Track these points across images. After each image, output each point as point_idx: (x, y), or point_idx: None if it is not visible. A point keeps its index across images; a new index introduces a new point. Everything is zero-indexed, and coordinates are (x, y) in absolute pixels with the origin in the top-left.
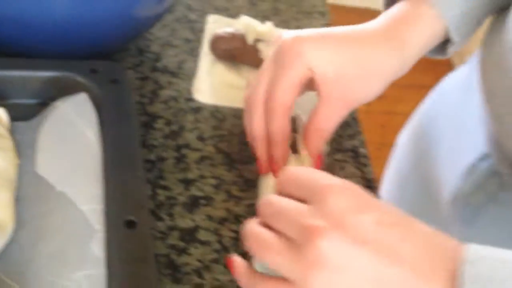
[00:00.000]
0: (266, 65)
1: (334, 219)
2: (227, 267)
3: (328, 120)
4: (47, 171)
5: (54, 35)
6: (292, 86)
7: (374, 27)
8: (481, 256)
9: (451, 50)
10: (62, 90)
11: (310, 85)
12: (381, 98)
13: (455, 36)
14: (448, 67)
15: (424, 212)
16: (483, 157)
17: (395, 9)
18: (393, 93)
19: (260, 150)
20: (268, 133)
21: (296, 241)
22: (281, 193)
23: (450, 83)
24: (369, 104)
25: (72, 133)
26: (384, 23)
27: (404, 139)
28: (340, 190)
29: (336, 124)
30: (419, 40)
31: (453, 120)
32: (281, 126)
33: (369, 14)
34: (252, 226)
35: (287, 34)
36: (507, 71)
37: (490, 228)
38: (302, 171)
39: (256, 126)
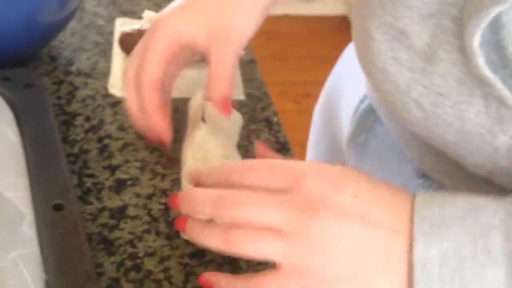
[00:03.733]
0: (138, 46)
1: (315, 202)
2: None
3: (221, 63)
4: None
5: None
6: (157, 58)
7: None
8: (430, 200)
9: None
10: None
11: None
12: (310, 96)
13: None
14: None
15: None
16: (363, 99)
17: None
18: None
19: (140, 125)
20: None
21: (284, 230)
22: (243, 184)
23: (351, 46)
24: (299, 103)
25: None
26: None
27: (318, 105)
28: (312, 175)
29: (230, 64)
30: None
31: (350, 77)
32: (151, 100)
33: (287, 21)
34: (223, 228)
35: (157, 14)
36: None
37: (375, 163)
38: (273, 161)
39: (130, 103)
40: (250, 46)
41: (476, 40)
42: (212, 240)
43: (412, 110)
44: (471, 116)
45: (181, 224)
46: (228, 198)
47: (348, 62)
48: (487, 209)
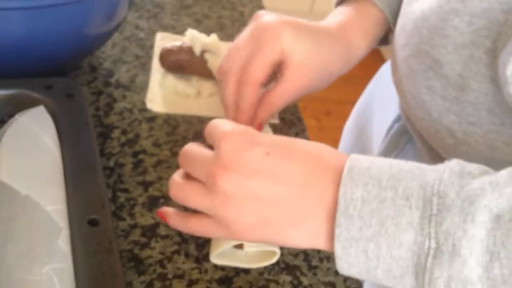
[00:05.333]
0: (243, 40)
1: (228, 161)
2: (159, 217)
3: (280, 97)
4: (11, 178)
5: (8, 54)
6: (266, 65)
7: (330, 25)
8: (364, 156)
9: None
10: (19, 107)
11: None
12: (331, 114)
13: (393, 21)
14: None
15: None
16: (398, 119)
17: (344, 9)
18: (342, 109)
19: (229, 115)
20: (237, 101)
21: (206, 184)
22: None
23: (385, 67)
24: (320, 120)
25: (32, 142)
26: (335, 23)
27: (348, 123)
28: (229, 135)
29: (285, 103)
30: (362, 40)
31: (384, 96)
32: (249, 98)
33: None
34: (174, 177)
35: (267, 14)
36: (396, 50)
37: None
38: (212, 122)
39: (228, 95)
40: None
41: (509, 69)
42: (177, 224)
43: (444, 137)
44: (501, 145)
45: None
46: (181, 156)
47: (382, 81)
48: (417, 170)
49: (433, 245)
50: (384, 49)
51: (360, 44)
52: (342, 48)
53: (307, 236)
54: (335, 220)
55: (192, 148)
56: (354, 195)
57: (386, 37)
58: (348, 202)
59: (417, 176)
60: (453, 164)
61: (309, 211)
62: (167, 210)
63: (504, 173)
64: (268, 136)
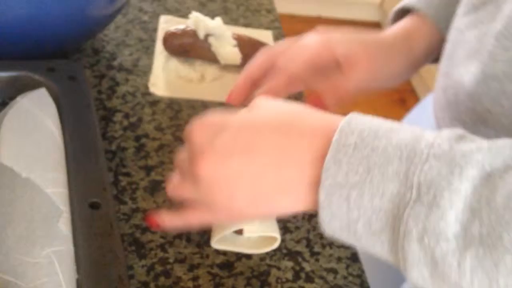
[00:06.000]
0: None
1: (201, 149)
2: (149, 224)
3: (347, 87)
4: (11, 161)
5: (10, 36)
6: (303, 59)
7: (386, 36)
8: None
9: None
10: (21, 89)
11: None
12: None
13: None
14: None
15: None
16: None
17: (401, 24)
18: None
19: (240, 82)
20: (265, 80)
21: (191, 178)
22: None
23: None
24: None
25: (34, 125)
26: (392, 34)
27: None
28: (198, 127)
29: (352, 93)
30: (421, 49)
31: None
32: (276, 85)
33: (319, 23)
34: (171, 179)
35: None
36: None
37: None
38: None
39: (253, 67)
40: None
41: None
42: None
43: None
44: None
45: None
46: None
47: (426, 113)
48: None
49: (414, 195)
50: None
51: (422, 49)
52: (405, 53)
53: (297, 199)
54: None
55: (179, 155)
56: (348, 141)
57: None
58: (340, 147)
59: (417, 131)
60: (457, 130)
61: (290, 175)
62: (159, 214)
63: (507, 141)
64: (238, 116)
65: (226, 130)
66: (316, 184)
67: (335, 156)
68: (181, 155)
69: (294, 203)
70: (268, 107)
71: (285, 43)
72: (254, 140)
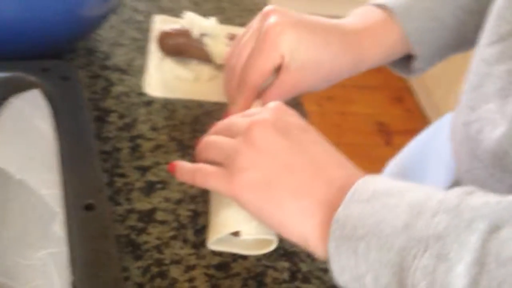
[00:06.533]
0: (247, 39)
1: (266, 118)
2: (169, 170)
3: (273, 98)
4: (4, 162)
5: (2, 36)
6: (264, 71)
7: (347, 25)
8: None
9: (417, 67)
10: (14, 90)
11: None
12: (333, 99)
13: (416, 50)
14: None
15: None
16: (455, 184)
17: (366, 12)
18: (344, 94)
19: (228, 89)
20: (235, 96)
21: (238, 134)
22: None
23: (437, 127)
24: (321, 106)
25: (27, 126)
26: (351, 26)
27: (392, 166)
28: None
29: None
30: (376, 52)
31: (439, 154)
32: (246, 97)
33: None
34: (191, 165)
35: (274, 14)
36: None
37: None
38: (232, 118)
39: (231, 91)
40: None
41: None
42: (185, 176)
43: None
44: None
45: (172, 167)
46: (202, 145)
47: (440, 135)
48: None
49: (422, 248)
50: None
51: (372, 55)
52: (352, 54)
53: (300, 214)
54: (333, 215)
55: (212, 136)
56: (361, 197)
57: (405, 59)
58: (351, 201)
59: (430, 190)
60: (468, 187)
61: (314, 190)
62: (178, 162)
63: None
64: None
65: (297, 122)
66: (327, 217)
67: (347, 206)
68: (235, 118)
69: (297, 215)
70: (318, 139)
71: (243, 50)
72: (311, 143)
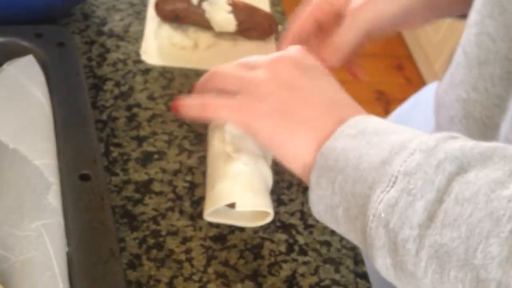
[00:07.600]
0: None
1: (291, 55)
2: (173, 110)
3: (344, 39)
4: None
5: None
6: (304, 19)
7: None
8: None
9: None
10: (8, 56)
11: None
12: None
13: None
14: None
15: None
16: None
17: None
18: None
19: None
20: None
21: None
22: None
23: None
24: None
25: (21, 94)
26: None
27: None
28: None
29: (351, 43)
30: None
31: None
32: (285, 43)
33: None
34: (198, 98)
35: None
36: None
37: None
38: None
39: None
40: None
41: None
42: (193, 110)
43: None
44: None
45: (175, 105)
46: (212, 75)
47: (419, 107)
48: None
49: (391, 183)
50: None
51: None
52: None
53: (310, 146)
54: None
55: (231, 68)
56: (350, 132)
57: None
58: (340, 136)
59: (416, 133)
60: (454, 133)
61: (327, 126)
62: (181, 99)
63: (495, 144)
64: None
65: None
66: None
67: (332, 142)
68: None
69: (302, 148)
70: (336, 84)
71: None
72: (330, 82)
